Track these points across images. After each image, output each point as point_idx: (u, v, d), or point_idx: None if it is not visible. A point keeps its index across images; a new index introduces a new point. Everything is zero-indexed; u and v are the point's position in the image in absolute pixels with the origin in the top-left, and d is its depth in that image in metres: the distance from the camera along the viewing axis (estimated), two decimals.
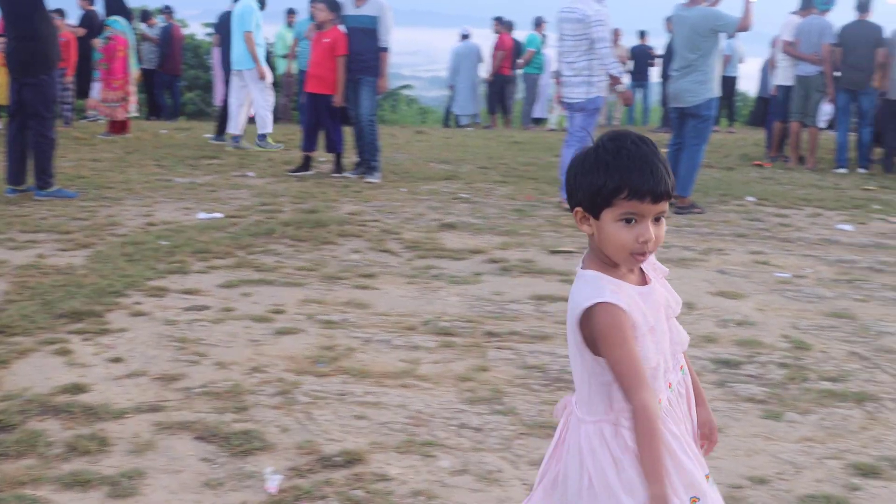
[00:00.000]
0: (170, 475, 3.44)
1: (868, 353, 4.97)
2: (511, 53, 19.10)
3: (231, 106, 12.87)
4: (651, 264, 2.21)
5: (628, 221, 2.05)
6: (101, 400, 4.07)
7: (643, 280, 2.19)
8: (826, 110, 12.80)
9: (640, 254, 2.08)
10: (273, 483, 3.36)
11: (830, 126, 13.05)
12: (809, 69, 12.63)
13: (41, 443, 3.62)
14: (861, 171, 12.35)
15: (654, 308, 2.14)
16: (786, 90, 13.16)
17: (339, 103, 10.44)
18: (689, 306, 5.67)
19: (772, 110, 14.10)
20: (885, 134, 12.48)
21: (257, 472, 3.46)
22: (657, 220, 2.06)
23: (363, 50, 10.25)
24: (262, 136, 12.95)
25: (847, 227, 8.41)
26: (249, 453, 3.61)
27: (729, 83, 18.17)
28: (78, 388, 4.17)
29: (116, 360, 4.56)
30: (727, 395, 4.33)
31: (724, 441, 3.81)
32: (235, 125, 12.85)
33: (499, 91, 19.29)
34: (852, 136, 12.82)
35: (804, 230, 8.27)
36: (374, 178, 10.33)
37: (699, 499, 2.13)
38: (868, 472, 3.58)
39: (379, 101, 10.45)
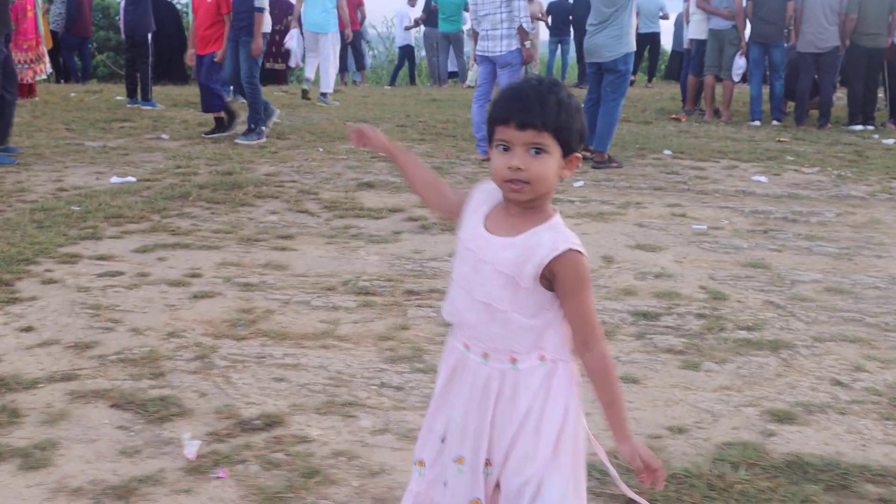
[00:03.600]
0: (85, 444, 3.36)
1: (783, 301, 5.05)
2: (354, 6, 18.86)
3: (322, 66, 13.69)
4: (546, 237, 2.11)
5: (505, 149, 2.08)
6: (12, 370, 3.95)
7: (509, 229, 2.14)
8: (739, 64, 12.96)
9: (511, 181, 2.07)
10: (191, 449, 3.30)
11: (744, 79, 13.21)
12: (722, 23, 12.77)
13: None
14: (775, 123, 12.54)
15: (475, 245, 2.17)
16: (699, 44, 13.30)
17: (219, 59, 10.22)
18: (607, 260, 5.72)
19: (686, 64, 14.23)
20: (797, 86, 12.67)
21: (175, 438, 3.39)
22: (537, 153, 2.06)
23: (241, 9, 10.02)
24: (324, 95, 13.77)
25: (762, 178, 8.54)
26: (167, 419, 3.54)
27: (652, 39, 18.31)
28: None
29: (27, 329, 4.44)
30: (646, 346, 4.37)
31: (643, 392, 3.86)
32: (328, 84, 13.81)
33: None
34: (766, 90, 12.99)
35: (720, 182, 8.37)
36: (246, 140, 10.02)
37: None
38: (783, 417, 3.64)
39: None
